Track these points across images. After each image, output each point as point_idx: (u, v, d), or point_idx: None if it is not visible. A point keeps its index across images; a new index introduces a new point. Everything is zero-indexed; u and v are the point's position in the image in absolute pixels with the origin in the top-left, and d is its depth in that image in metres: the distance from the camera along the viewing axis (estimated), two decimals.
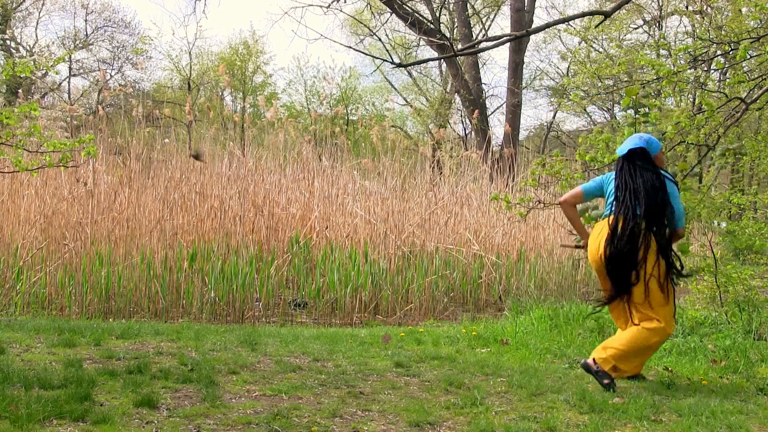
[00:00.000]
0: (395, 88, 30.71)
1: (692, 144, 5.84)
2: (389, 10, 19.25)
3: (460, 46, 16.81)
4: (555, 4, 28.68)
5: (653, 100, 5.62)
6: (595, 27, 11.49)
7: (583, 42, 20.41)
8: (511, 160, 12.44)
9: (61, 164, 6.25)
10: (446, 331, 6.30)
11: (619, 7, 6.01)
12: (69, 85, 27.61)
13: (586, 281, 10.53)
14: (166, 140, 11.25)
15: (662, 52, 17.80)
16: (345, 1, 18.00)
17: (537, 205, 6.03)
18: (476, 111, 16.95)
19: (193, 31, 44.10)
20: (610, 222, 4.31)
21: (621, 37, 20.77)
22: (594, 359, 4.26)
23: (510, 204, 5.99)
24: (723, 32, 9.26)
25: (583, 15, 6.20)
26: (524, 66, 19.83)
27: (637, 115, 5.38)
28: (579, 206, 4.93)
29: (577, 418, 3.60)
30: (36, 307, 7.66)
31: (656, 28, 21.12)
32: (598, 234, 4.42)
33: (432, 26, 19.32)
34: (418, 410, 3.61)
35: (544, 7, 35.46)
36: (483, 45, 8.88)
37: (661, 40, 16.73)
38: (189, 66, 28.66)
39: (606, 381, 4.16)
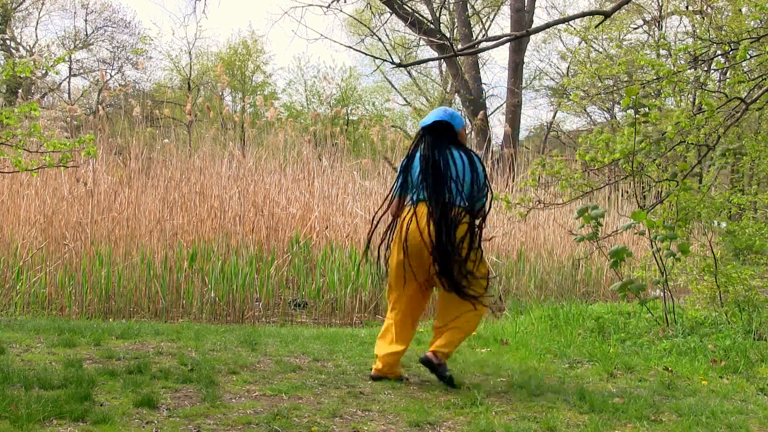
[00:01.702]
0: (395, 88, 30.76)
1: (692, 144, 5.84)
2: (389, 10, 19.24)
3: (460, 46, 16.80)
4: (555, 4, 28.68)
5: (653, 100, 5.62)
6: (595, 27, 11.49)
7: (583, 42, 20.41)
8: (511, 160, 12.43)
9: (61, 164, 6.26)
10: None
11: (619, 7, 6.01)
12: (69, 85, 27.66)
13: (586, 281, 10.53)
14: (166, 140, 11.25)
15: (662, 52, 17.79)
16: (345, 1, 18.02)
17: (537, 205, 6.03)
18: (481, 112, 16.94)
19: (193, 31, 44.10)
20: (428, 207, 4.03)
21: (621, 37, 20.76)
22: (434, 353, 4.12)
23: (510, 204, 5.99)
24: (723, 32, 9.27)
25: (583, 15, 6.21)
26: (524, 66, 19.83)
27: (637, 115, 5.38)
28: (578, 206, 4.87)
29: (577, 418, 3.60)
30: (36, 307, 7.66)
31: (656, 28, 21.11)
32: (408, 220, 4.10)
33: (432, 26, 19.31)
34: (418, 410, 3.61)
35: (544, 7, 35.48)
36: (483, 45, 8.89)
37: (661, 40, 16.74)
38: (189, 66, 28.69)
39: (448, 373, 4.10)
